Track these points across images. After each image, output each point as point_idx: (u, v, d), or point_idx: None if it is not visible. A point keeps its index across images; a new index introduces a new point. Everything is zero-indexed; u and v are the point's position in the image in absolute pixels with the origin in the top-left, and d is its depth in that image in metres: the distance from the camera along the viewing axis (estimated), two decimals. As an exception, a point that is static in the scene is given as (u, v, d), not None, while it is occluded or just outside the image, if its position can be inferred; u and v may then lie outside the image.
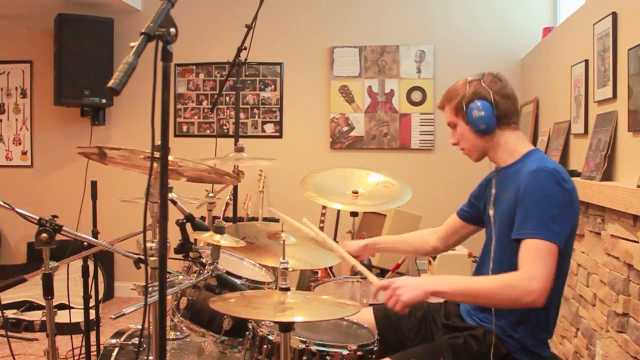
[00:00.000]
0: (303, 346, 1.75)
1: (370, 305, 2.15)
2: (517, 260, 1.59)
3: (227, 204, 4.04)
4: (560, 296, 1.74)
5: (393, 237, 2.33)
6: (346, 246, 2.14)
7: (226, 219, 3.83)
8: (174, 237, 1.60)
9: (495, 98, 1.73)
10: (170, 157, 1.90)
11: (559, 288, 1.71)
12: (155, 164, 1.31)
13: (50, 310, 1.82)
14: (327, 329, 1.98)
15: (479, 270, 1.86)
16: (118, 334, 2.23)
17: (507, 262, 1.66)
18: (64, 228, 1.76)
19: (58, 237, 1.75)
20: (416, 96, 4.56)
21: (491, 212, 1.83)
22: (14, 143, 4.98)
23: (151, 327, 1.65)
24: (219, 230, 1.87)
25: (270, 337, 1.82)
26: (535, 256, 1.54)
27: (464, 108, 1.75)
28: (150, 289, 1.49)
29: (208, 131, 4.81)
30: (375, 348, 1.80)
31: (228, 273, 2.16)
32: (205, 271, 2.01)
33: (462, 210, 2.05)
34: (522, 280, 1.52)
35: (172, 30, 1.15)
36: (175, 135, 4.82)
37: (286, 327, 1.56)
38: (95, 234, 2.71)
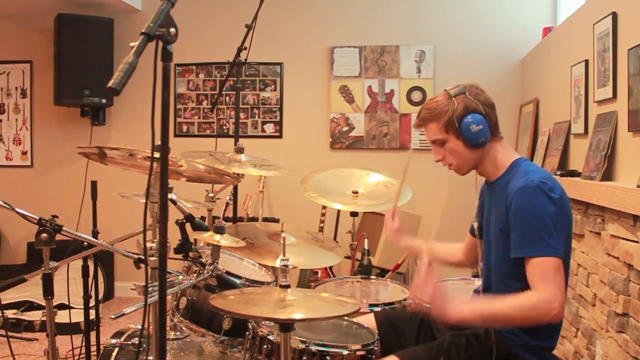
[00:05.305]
0: (303, 346, 1.75)
1: (369, 305, 2.16)
2: (513, 276, 1.62)
3: (227, 204, 4.04)
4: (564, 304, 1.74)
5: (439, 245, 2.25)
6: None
7: (226, 219, 3.82)
8: (174, 237, 1.60)
9: (484, 110, 1.72)
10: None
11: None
12: (155, 164, 1.31)
13: (50, 310, 1.82)
14: (327, 328, 1.98)
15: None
16: (118, 334, 2.23)
17: (505, 277, 1.69)
18: (64, 228, 1.76)
19: (58, 237, 1.75)
20: (416, 96, 4.56)
21: (483, 227, 1.85)
22: (14, 143, 4.98)
23: (151, 327, 1.65)
24: (219, 230, 1.86)
25: (270, 337, 1.82)
26: (545, 276, 1.55)
27: (456, 124, 1.72)
28: (150, 289, 1.49)
29: (208, 131, 4.81)
30: (376, 348, 1.80)
31: (228, 273, 2.16)
32: (205, 271, 2.01)
33: (472, 229, 2.02)
34: (542, 302, 1.53)
35: (172, 30, 1.15)
36: (175, 135, 4.82)
37: (286, 327, 1.56)
38: (95, 234, 2.71)
